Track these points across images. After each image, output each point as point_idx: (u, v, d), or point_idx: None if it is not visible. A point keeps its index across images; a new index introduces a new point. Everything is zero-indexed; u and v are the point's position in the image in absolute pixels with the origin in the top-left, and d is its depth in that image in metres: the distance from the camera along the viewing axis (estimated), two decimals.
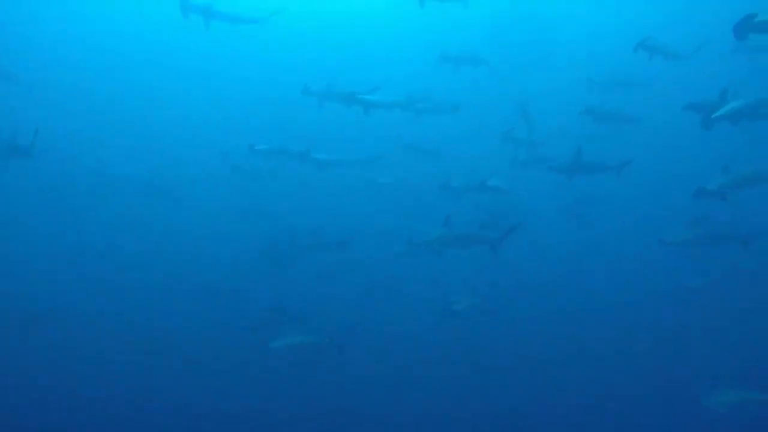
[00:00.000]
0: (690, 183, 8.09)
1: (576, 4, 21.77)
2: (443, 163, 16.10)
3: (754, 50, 14.17)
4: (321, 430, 11.70)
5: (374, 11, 23.11)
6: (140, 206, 17.37)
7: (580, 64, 19.03)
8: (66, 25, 23.50)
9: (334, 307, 14.04)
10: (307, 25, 24.21)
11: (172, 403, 11.71)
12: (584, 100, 13.15)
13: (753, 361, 11.20)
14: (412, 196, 16.64)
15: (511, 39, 20.97)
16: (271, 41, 24.02)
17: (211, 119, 21.96)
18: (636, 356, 13.23)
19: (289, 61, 23.12)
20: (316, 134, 15.38)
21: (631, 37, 12.30)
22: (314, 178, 15.29)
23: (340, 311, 13.72)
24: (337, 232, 14.56)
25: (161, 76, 23.56)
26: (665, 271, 14.09)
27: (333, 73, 19.71)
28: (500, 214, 13.20)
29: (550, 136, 13.86)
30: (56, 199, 17.17)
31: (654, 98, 15.61)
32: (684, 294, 13.96)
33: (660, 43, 12.44)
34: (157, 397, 11.88)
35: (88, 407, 11.35)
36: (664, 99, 13.42)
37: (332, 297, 14.76)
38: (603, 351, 13.61)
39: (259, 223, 16.45)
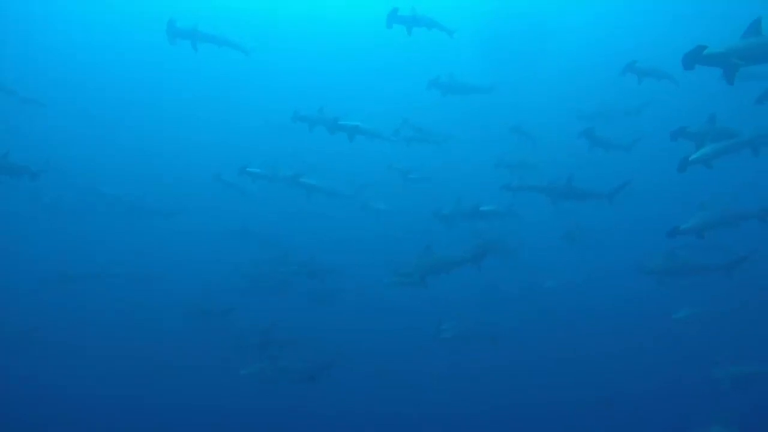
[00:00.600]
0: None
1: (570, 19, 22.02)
2: (439, 190, 16.01)
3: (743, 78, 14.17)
4: None
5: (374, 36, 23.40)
6: (129, 226, 17.34)
7: (574, 80, 19.17)
8: (65, 44, 23.79)
9: (321, 335, 13.82)
10: (305, 50, 24.59)
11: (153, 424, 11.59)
12: (578, 125, 13.30)
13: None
14: (407, 223, 16.55)
15: (502, 61, 21.24)
16: (272, 64, 24.37)
17: (206, 140, 21.89)
18: (634, 380, 13.15)
19: (290, 85, 23.33)
20: (313, 159, 15.45)
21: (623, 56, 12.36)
22: (309, 202, 15.28)
23: (328, 340, 13.56)
24: (329, 258, 14.50)
25: (156, 96, 23.65)
26: (659, 298, 14.01)
27: (329, 98, 19.89)
28: (496, 240, 13.26)
29: (544, 161, 13.67)
30: (46, 219, 17.20)
31: (647, 123, 15.75)
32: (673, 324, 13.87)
33: (648, 66, 12.27)
34: (138, 417, 11.76)
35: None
36: (658, 123, 13.41)
37: (322, 325, 14.40)
38: (601, 375, 13.52)
39: (249, 246, 16.25)
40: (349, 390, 12.80)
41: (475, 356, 13.88)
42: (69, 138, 21.51)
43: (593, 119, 14.37)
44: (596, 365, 13.91)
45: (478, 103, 15.76)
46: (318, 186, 12.83)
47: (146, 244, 17.36)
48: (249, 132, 21.05)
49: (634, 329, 14.35)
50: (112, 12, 23.50)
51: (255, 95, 23.63)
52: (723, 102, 10.19)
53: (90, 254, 16.15)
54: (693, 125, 8.44)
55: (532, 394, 13.35)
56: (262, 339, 12.17)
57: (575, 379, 13.55)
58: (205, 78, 22.97)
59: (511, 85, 19.56)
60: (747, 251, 10.09)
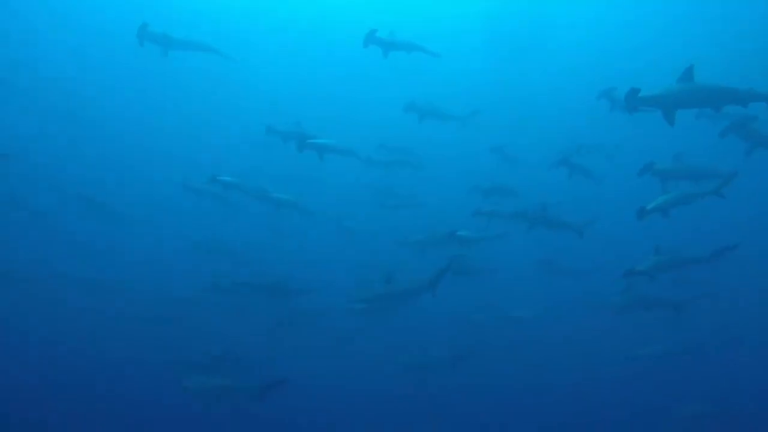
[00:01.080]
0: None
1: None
2: (418, 211, 15.86)
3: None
4: None
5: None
6: (89, 227, 16.65)
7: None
8: (35, 35, 23.14)
9: (279, 355, 13.44)
10: (295, 56, 24.35)
11: None
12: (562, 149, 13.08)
13: None
14: (384, 243, 16.31)
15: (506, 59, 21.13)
16: (261, 70, 24.11)
17: (180, 146, 21.27)
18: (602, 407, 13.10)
19: (280, 94, 22.91)
20: (289, 174, 15.17)
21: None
22: (282, 218, 14.99)
23: (284, 360, 13.18)
24: (298, 277, 14.22)
25: (133, 97, 23.04)
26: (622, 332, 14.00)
27: (323, 105, 19.59)
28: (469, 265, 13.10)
29: (527, 185, 13.51)
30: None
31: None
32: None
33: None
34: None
35: None
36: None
37: (281, 345, 14.09)
38: (571, 401, 13.49)
39: (214, 258, 15.64)
40: (298, 410, 12.42)
41: (434, 382, 13.68)
42: (42, 135, 20.87)
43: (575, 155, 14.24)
44: (555, 396, 13.85)
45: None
46: (287, 201, 12.44)
47: (109, 249, 16.84)
48: (232, 141, 20.44)
49: (593, 363, 14.28)
50: (93, 12, 23.04)
51: (241, 102, 23.17)
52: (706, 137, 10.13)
53: (43, 255, 15.54)
54: (660, 162, 8.61)
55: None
56: (216, 354, 11.75)
57: (531, 408, 13.46)
58: (189, 84, 22.62)
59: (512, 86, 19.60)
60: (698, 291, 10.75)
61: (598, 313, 12.25)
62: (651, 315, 11.09)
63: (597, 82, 15.23)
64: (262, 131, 11.88)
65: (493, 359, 14.52)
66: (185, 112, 22.83)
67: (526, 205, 10.71)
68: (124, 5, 21.74)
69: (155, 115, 22.83)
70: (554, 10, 21.49)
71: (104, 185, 17.94)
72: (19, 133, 19.32)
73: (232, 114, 22.40)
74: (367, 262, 15.28)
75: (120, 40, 11.70)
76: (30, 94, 20.95)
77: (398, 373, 13.82)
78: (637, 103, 6.55)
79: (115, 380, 13.18)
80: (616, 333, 13.50)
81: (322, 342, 14.64)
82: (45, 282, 14.43)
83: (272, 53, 24.23)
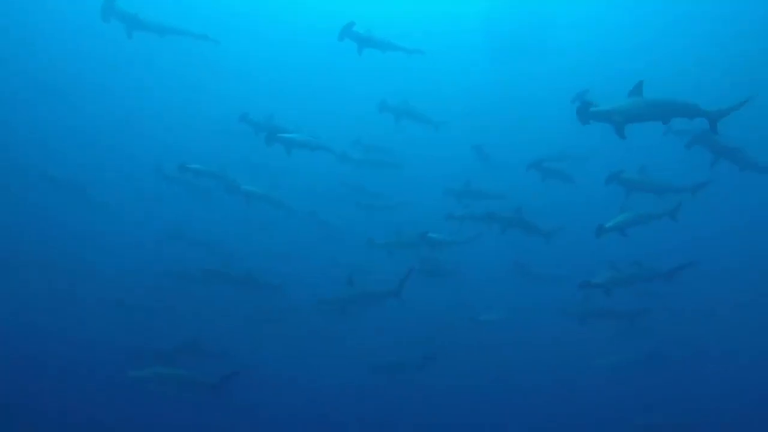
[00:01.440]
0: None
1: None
2: (397, 209, 15.79)
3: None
4: None
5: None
6: (56, 207, 16.24)
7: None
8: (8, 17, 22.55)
9: (251, 350, 13.36)
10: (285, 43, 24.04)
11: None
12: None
13: None
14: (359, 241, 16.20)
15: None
16: (248, 62, 23.81)
17: (159, 132, 20.92)
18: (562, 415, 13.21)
19: (269, 83, 22.85)
20: (266, 165, 14.96)
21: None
22: (258, 210, 14.84)
23: (255, 356, 13.07)
24: (270, 271, 14.12)
25: (112, 80, 22.52)
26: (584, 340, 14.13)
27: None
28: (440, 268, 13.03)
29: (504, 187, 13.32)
30: None
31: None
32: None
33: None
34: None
35: None
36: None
37: (254, 340, 14.03)
38: (539, 407, 13.56)
39: (186, 247, 15.41)
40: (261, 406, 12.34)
41: (401, 383, 13.66)
42: (18, 116, 20.43)
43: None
44: (516, 401, 13.92)
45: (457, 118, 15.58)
46: (257, 193, 12.28)
47: (77, 232, 16.50)
48: (211, 128, 19.93)
49: (556, 370, 14.40)
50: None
51: (227, 91, 22.70)
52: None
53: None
54: (627, 172, 8.79)
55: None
56: (180, 343, 11.60)
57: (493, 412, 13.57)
58: (172, 69, 22.28)
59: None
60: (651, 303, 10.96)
61: (565, 319, 12.35)
62: (611, 324, 11.26)
63: (597, 82, 15.39)
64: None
65: (459, 361, 14.54)
66: (166, 98, 22.50)
67: (501, 207, 10.69)
68: None
69: (135, 99, 22.44)
70: (554, 10, 21.51)
71: (79, 168, 17.58)
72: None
73: (214, 102, 22.09)
74: (341, 259, 15.27)
75: (100, 23, 11.25)
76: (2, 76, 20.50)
77: (365, 373, 13.72)
78: (588, 117, 6.66)
79: (79, 364, 12.95)
80: (583, 339, 13.57)
81: (291, 339, 14.57)
82: (10, 264, 14.17)
83: (265, 42, 23.96)
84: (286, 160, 13.91)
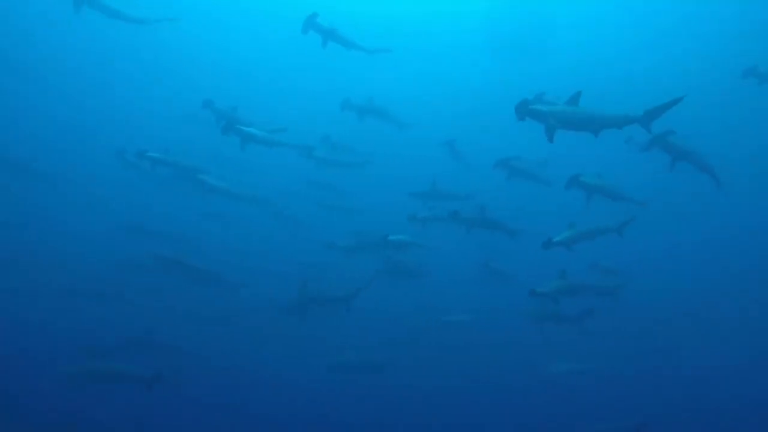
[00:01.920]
0: None
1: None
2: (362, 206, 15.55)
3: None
4: None
5: None
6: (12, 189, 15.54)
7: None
8: None
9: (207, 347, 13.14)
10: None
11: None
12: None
13: None
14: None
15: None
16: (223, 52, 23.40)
17: (125, 119, 20.37)
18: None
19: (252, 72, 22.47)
20: (230, 158, 14.62)
21: None
22: (224, 204, 14.57)
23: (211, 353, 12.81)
24: (234, 267, 13.81)
25: (82, 64, 21.88)
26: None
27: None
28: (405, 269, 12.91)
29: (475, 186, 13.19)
30: None
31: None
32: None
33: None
34: None
35: None
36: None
37: (212, 337, 13.79)
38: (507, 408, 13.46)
39: (146, 238, 14.70)
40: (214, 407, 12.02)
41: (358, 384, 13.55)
42: None
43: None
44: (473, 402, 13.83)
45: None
46: (217, 186, 11.93)
47: (33, 219, 15.93)
48: (177, 117, 19.71)
49: (511, 372, 14.34)
50: None
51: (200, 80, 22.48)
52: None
53: None
54: (586, 176, 8.88)
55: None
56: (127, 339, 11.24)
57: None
58: (142, 55, 21.79)
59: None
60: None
61: (526, 322, 12.34)
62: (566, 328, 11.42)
63: (597, 81, 15.42)
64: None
65: (425, 362, 14.44)
66: (136, 84, 22.01)
67: (467, 208, 10.54)
68: None
69: (103, 84, 21.90)
70: (555, 10, 21.52)
71: (39, 150, 17.04)
72: None
73: (189, 92, 21.68)
74: (306, 259, 15.00)
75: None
76: None
77: (324, 373, 13.51)
78: (525, 113, 6.82)
79: (27, 356, 12.46)
80: (550, 341, 13.57)
81: (250, 337, 14.24)
82: None
83: (262, 41, 23.58)
84: (258, 156, 13.80)
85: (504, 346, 14.78)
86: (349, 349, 14.07)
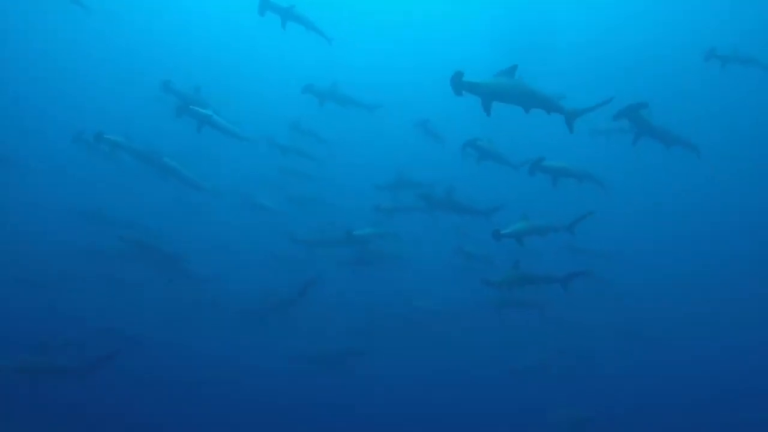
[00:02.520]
0: None
1: None
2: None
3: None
4: None
5: None
6: None
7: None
8: None
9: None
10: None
11: None
12: None
13: None
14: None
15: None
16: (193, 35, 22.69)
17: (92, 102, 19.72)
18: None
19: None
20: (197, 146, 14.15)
21: None
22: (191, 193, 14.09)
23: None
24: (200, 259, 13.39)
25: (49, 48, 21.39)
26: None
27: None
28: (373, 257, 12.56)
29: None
30: None
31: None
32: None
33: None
34: None
35: None
36: None
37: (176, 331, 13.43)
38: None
39: (107, 228, 14.40)
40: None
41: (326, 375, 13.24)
42: None
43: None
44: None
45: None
46: (180, 172, 11.38)
47: None
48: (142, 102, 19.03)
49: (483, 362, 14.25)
50: None
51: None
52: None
53: None
54: (549, 160, 8.76)
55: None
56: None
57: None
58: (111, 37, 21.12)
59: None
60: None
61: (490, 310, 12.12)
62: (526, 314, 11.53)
63: (598, 81, 15.26)
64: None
65: (394, 350, 14.21)
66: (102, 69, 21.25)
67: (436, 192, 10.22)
68: None
69: (66, 68, 21.14)
70: (560, 10, 21.50)
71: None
72: None
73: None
74: (277, 251, 14.63)
75: None
76: None
77: (289, 365, 13.21)
78: (460, 87, 6.66)
79: None
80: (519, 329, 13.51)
81: (219, 330, 13.88)
82: None
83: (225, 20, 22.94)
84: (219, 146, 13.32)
85: (471, 336, 14.61)
86: (317, 341, 13.75)
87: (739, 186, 20.25)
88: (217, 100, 11.02)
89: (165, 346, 13.25)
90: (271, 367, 13.43)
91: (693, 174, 16.48)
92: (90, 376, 8.63)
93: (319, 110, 12.62)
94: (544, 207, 9.54)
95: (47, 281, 13.09)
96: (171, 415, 11.73)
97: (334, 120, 13.64)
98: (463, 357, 14.56)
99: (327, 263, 12.81)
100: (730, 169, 19.60)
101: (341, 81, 12.56)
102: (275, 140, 12.60)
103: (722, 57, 12.40)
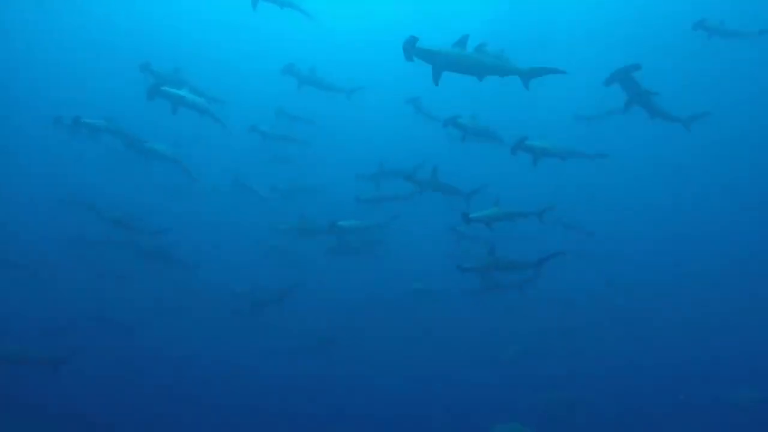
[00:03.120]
0: None
1: None
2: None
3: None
4: None
5: None
6: None
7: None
8: None
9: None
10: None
11: None
12: None
13: None
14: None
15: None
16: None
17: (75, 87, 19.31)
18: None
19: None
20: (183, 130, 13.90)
21: None
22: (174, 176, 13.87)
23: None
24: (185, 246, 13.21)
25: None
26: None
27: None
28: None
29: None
30: None
31: None
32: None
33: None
34: None
35: None
36: None
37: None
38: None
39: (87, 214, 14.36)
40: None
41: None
42: None
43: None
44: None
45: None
46: (163, 154, 11.21)
47: None
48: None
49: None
50: None
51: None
52: None
53: None
54: (532, 139, 8.71)
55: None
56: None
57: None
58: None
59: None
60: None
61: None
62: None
63: (598, 80, 15.09)
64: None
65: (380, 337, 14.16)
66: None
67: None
68: None
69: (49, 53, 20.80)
70: (559, 8, 21.40)
71: None
72: None
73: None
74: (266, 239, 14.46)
75: None
76: None
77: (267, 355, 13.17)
78: (412, 53, 6.65)
79: None
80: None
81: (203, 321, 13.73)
82: None
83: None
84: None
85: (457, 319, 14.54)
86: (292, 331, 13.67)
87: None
88: (198, 83, 10.83)
89: (150, 338, 13.14)
90: (252, 363, 13.32)
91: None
92: (62, 368, 8.61)
93: (298, 93, 12.56)
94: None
95: (31, 269, 12.90)
96: (153, 408, 11.58)
97: (317, 102, 13.48)
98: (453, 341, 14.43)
99: (313, 252, 12.74)
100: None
101: (339, 60, 12.43)
102: (258, 127, 12.39)
103: (710, 29, 12.42)
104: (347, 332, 13.54)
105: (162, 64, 11.21)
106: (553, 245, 9.60)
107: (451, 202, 10.27)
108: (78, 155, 14.18)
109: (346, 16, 21.48)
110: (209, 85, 11.56)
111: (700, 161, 19.47)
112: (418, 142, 14.64)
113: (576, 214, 14.90)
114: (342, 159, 15.90)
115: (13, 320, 11.02)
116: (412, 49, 6.63)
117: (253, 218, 14.75)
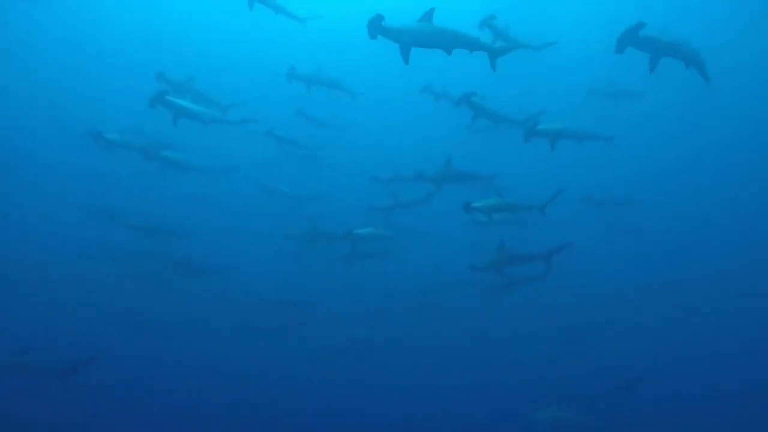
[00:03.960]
0: None
1: None
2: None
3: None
4: None
5: None
6: None
7: None
8: None
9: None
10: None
11: None
12: None
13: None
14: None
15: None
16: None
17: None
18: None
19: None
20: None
21: None
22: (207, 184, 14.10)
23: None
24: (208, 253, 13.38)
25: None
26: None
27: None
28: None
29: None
30: None
31: None
32: None
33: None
34: None
35: None
36: None
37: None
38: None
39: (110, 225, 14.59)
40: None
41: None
42: None
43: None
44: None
45: None
46: (183, 162, 11.41)
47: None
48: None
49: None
50: None
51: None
52: None
53: None
54: (545, 123, 8.71)
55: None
56: None
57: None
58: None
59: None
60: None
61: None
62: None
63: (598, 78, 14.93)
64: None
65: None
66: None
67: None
68: None
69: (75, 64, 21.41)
70: (556, 6, 21.06)
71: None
72: None
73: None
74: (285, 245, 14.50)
75: None
76: None
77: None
78: (377, 31, 6.61)
79: None
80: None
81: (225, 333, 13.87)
82: None
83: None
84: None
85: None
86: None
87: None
88: (212, 90, 10.97)
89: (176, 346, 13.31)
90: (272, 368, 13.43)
91: None
92: (68, 378, 8.64)
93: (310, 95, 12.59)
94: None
95: (53, 280, 13.25)
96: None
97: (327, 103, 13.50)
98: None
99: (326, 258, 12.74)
100: None
101: (345, 60, 12.44)
102: (273, 131, 12.46)
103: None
104: (379, 336, 13.53)
105: (174, 71, 11.44)
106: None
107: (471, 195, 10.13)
108: (107, 167, 14.48)
109: (353, 15, 21.25)
110: (224, 91, 11.56)
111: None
112: (431, 144, 14.38)
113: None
114: (355, 163, 15.80)
115: (36, 329, 11.27)
116: (377, 28, 6.58)
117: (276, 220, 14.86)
